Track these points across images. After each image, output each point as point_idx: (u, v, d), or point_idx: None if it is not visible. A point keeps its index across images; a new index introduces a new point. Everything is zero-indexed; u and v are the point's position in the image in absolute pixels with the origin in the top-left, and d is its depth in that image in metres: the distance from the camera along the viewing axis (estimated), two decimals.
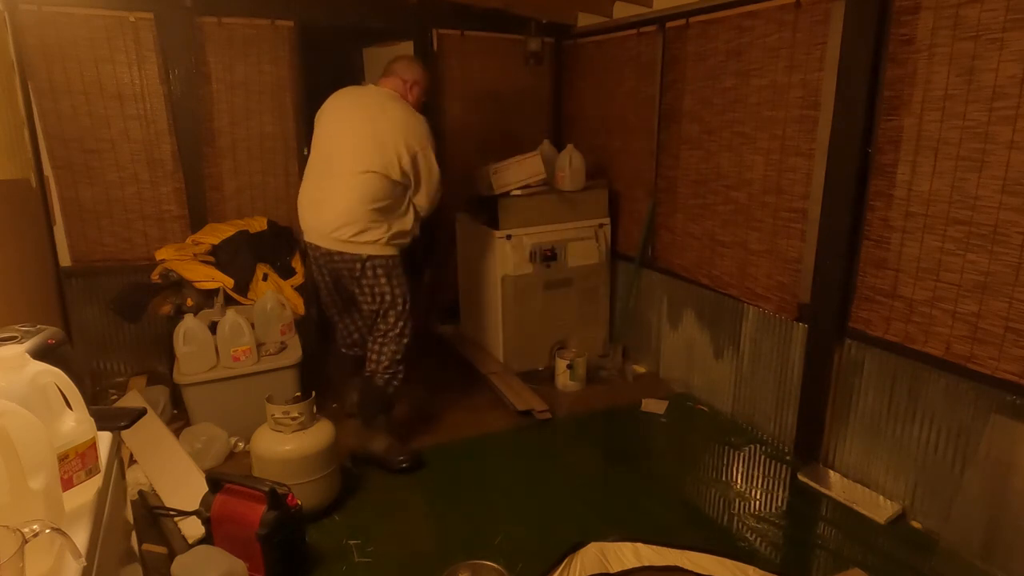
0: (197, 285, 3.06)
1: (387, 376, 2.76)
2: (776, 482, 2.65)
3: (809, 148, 2.59)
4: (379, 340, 2.76)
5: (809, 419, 2.71)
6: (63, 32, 3.04)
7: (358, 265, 2.64)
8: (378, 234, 2.62)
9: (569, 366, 3.45)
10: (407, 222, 2.73)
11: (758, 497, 2.55)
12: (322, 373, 3.28)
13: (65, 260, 3.25)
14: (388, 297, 2.71)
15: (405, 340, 2.77)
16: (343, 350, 3.12)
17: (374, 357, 2.77)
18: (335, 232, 2.60)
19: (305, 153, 3.65)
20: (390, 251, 2.68)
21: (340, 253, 2.64)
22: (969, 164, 2.06)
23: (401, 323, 2.74)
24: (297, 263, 3.46)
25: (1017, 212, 1.96)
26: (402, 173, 2.64)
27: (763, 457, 2.83)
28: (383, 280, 2.68)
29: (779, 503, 2.53)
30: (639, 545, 2.17)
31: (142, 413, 1.47)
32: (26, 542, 0.78)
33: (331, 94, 2.81)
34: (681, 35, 3.18)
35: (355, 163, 2.58)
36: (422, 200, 2.77)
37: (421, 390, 3.37)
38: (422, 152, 2.69)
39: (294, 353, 2.96)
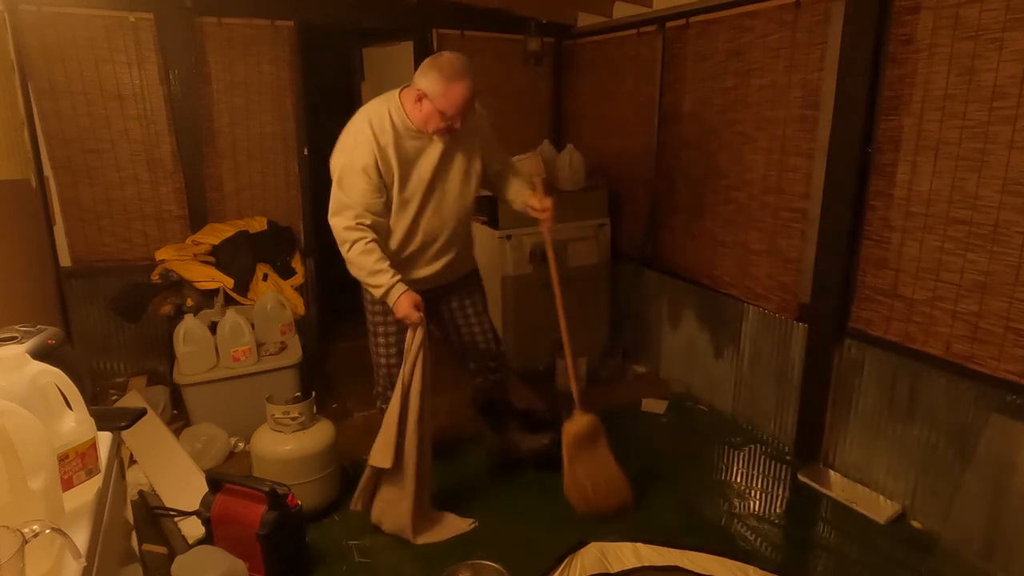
0: (197, 285, 3.06)
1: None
2: (776, 482, 2.65)
3: (809, 148, 2.58)
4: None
5: (809, 419, 2.71)
6: (63, 32, 3.04)
7: None
8: None
9: None
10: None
11: (758, 497, 2.55)
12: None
13: (65, 260, 3.25)
14: None
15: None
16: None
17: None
18: None
19: (305, 153, 3.67)
20: None
21: None
22: (969, 164, 2.06)
23: None
24: (297, 263, 3.46)
25: (1017, 212, 1.96)
26: None
27: (763, 457, 2.83)
28: None
29: (779, 503, 2.53)
30: (639, 545, 2.17)
31: (142, 413, 1.47)
32: (26, 542, 0.78)
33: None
34: (681, 35, 3.18)
35: None
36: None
37: None
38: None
39: (294, 353, 2.96)
